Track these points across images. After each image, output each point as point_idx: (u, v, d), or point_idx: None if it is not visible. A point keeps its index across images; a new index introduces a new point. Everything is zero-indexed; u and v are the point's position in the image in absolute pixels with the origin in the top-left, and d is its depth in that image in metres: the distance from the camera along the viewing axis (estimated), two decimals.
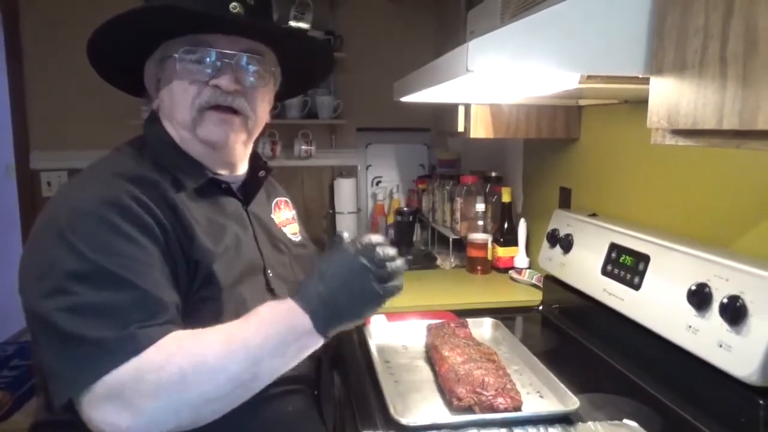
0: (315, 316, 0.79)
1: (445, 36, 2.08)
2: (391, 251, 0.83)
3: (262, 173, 1.06)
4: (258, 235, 1.01)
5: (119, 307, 0.76)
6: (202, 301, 0.86)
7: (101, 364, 0.72)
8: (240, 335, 0.78)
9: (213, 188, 0.96)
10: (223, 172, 1.00)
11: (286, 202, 1.17)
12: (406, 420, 0.94)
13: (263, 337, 0.78)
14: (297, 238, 1.13)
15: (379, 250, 0.82)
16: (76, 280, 0.75)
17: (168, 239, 0.84)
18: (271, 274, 0.99)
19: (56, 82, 2.61)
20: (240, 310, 0.88)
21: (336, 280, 0.80)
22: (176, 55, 0.91)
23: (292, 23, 2.36)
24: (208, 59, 0.91)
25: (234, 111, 0.93)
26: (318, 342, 0.81)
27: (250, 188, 1.04)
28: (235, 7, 0.91)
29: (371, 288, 0.80)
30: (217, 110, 0.93)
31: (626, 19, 0.73)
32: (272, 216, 1.10)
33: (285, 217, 1.13)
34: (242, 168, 1.04)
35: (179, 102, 0.92)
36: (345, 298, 0.80)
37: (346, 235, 0.87)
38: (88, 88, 2.64)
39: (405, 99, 1.31)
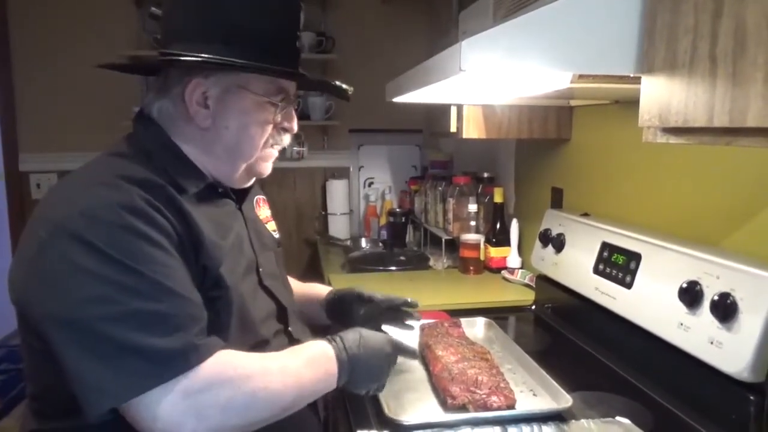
0: (341, 373, 0.90)
1: (438, 37, 2.09)
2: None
3: None
4: (251, 234, 1.02)
5: (169, 315, 0.76)
6: (214, 300, 0.86)
7: (166, 371, 0.74)
8: (293, 369, 0.86)
9: (211, 191, 0.96)
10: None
11: (264, 200, 1.18)
12: (400, 419, 0.94)
13: (311, 376, 0.87)
14: (277, 235, 1.16)
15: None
16: (118, 287, 0.74)
17: (182, 243, 0.83)
18: (262, 271, 1.00)
19: (46, 83, 2.60)
20: (242, 306, 0.91)
21: (368, 359, 0.93)
22: (280, 103, 0.93)
23: None
24: (286, 104, 0.96)
25: None
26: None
27: (239, 188, 1.04)
28: (298, 43, 0.98)
29: (383, 377, 0.97)
30: (273, 148, 0.99)
31: (617, 19, 0.74)
32: (257, 213, 1.12)
33: (265, 215, 1.15)
34: None
35: (254, 138, 0.93)
36: (364, 374, 0.93)
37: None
38: (77, 90, 2.63)
39: (397, 99, 1.31)
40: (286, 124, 0.97)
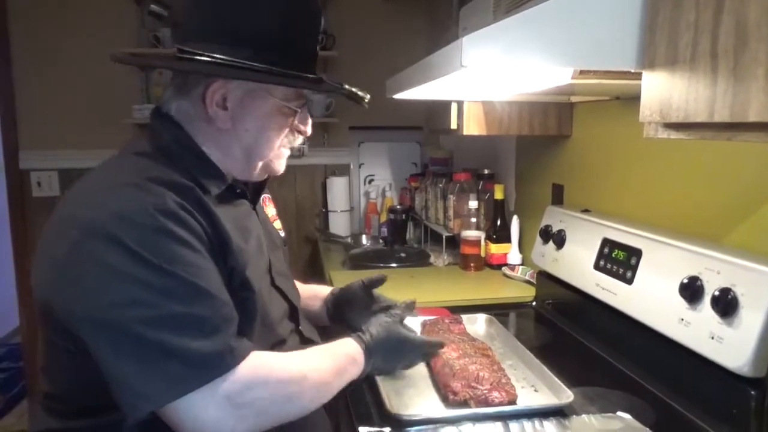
0: (365, 367, 0.97)
1: (438, 34, 2.09)
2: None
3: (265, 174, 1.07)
4: (264, 234, 1.03)
5: (205, 318, 0.76)
6: (240, 303, 0.87)
7: (204, 374, 0.75)
8: (327, 378, 0.89)
9: (230, 192, 0.96)
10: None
11: (269, 198, 1.19)
12: (401, 414, 0.94)
13: (338, 385, 0.91)
14: (283, 234, 1.16)
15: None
16: (155, 290, 0.74)
17: (212, 246, 0.84)
18: (273, 271, 1.01)
19: (46, 81, 2.59)
20: (263, 307, 0.92)
21: (393, 353, 1.02)
22: (298, 110, 0.94)
23: None
24: (303, 109, 0.96)
25: None
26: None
27: (254, 188, 1.05)
28: (318, 46, 0.98)
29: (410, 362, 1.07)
30: (287, 148, 0.99)
31: (618, 15, 0.74)
32: (265, 212, 1.13)
33: (272, 213, 1.16)
34: None
35: (268, 141, 0.93)
36: (389, 363, 1.02)
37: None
38: (78, 87, 2.63)
39: (398, 96, 1.31)
40: (301, 127, 0.97)
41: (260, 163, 0.96)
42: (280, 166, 1.00)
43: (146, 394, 0.72)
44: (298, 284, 1.24)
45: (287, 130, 0.95)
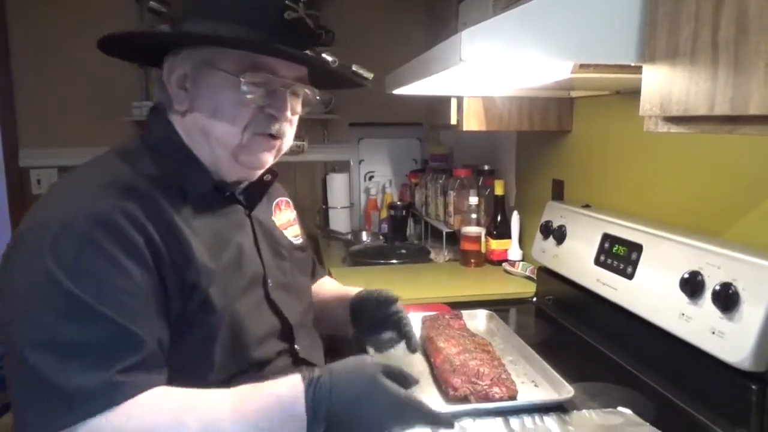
0: (310, 427, 0.72)
1: (437, 29, 2.08)
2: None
3: (267, 177, 1.00)
4: (260, 243, 0.96)
5: (95, 347, 0.70)
6: (197, 324, 0.81)
7: (78, 411, 0.68)
8: (223, 418, 0.72)
9: (216, 196, 0.91)
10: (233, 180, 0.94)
11: (287, 202, 1.11)
12: None
13: (249, 426, 0.71)
14: (298, 241, 1.08)
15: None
16: (53, 311, 0.70)
17: (160, 261, 0.78)
18: (270, 284, 0.94)
19: (45, 78, 2.59)
20: (235, 327, 0.85)
21: (361, 403, 0.74)
22: (242, 79, 0.83)
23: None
24: (269, 86, 0.86)
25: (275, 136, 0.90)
26: None
27: (254, 192, 0.98)
28: (289, 14, 0.85)
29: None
30: (264, 137, 0.89)
31: (619, 8, 0.73)
32: (273, 218, 1.05)
33: (286, 219, 1.08)
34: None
35: (227, 122, 0.85)
36: (362, 417, 0.74)
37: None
38: (77, 84, 2.62)
39: (398, 91, 1.31)
40: (272, 110, 0.87)
41: (225, 153, 0.88)
42: (255, 159, 0.89)
43: (26, 424, 0.69)
44: (333, 284, 1.17)
45: (249, 109, 0.85)
